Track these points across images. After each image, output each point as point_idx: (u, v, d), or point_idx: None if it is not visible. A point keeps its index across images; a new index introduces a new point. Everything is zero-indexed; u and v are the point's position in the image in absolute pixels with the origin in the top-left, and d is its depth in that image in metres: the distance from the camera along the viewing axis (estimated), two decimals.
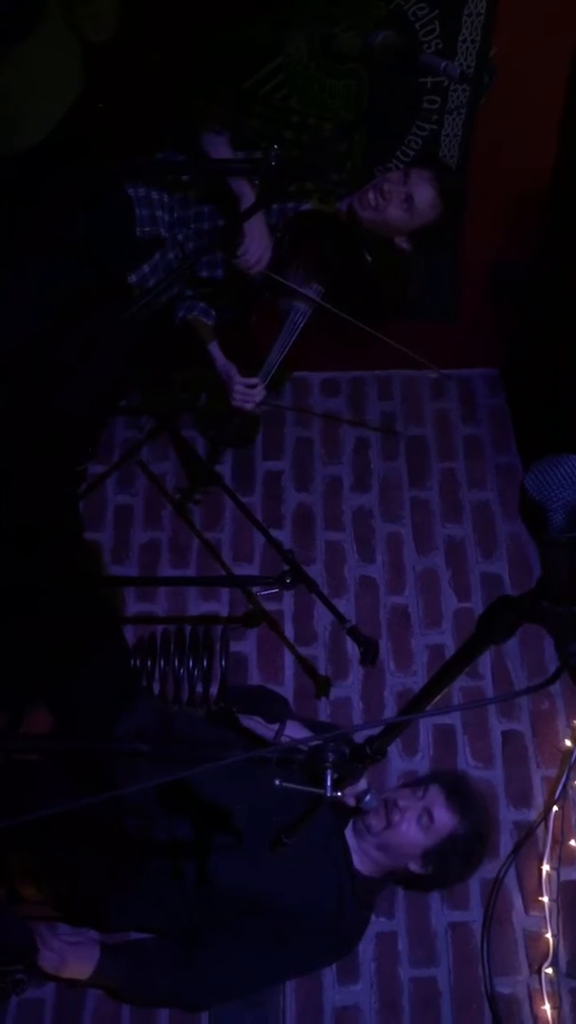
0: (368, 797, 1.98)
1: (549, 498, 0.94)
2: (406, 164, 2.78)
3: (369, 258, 2.55)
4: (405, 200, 2.42)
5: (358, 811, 2.30)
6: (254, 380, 2.66)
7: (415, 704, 1.35)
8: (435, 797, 2.29)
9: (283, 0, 2.56)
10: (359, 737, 1.48)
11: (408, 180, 2.43)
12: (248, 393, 2.66)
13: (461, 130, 2.78)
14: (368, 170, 2.87)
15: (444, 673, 1.27)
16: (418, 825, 2.25)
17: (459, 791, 2.31)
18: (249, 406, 2.68)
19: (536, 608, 1.06)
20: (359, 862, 2.34)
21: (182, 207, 2.47)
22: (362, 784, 2.22)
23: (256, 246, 2.45)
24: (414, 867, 2.30)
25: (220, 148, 2.42)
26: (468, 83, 2.64)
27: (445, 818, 2.26)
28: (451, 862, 2.30)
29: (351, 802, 2.18)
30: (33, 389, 2.41)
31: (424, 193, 2.42)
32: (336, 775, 1.46)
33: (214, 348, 2.67)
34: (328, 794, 1.44)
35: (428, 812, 2.26)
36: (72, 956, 2.21)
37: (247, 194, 2.40)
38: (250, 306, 2.71)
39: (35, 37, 2.22)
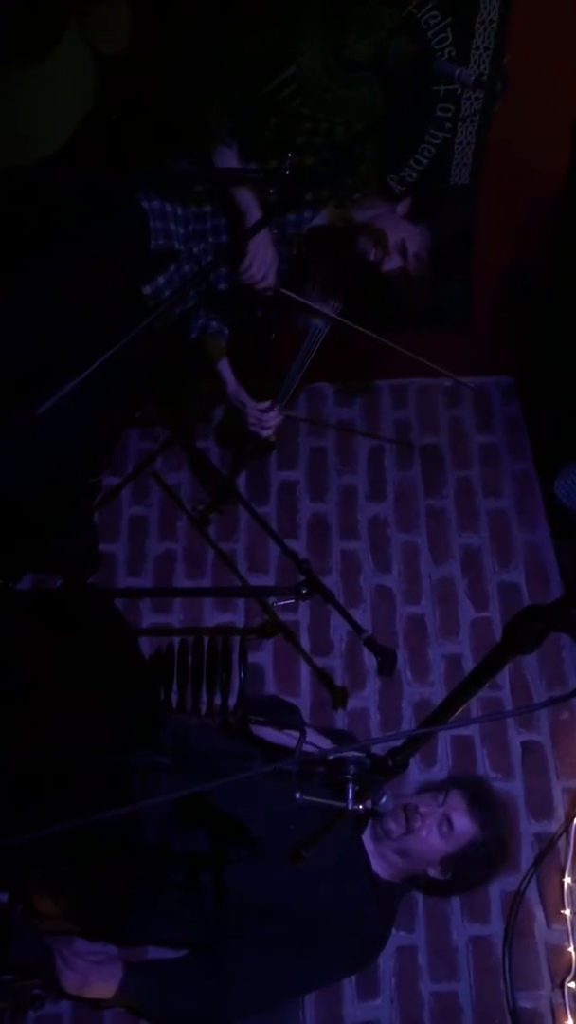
0: (384, 799, 1.96)
1: None
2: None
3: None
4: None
5: (375, 814, 2.28)
6: (266, 404, 2.66)
7: (437, 716, 1.33)
8: (456, 803, 2.28)
9: (294, 10, 2.55)
10: (380, 749, 1.46)
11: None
12: (262, 418, 2.66)
13: (475, 137, 2.77)
14: (381, 178, 2.86)
15: (468, 684, 1.25)
16: (439, 832, 2.24)
17: (480, 797, 2.30)
18: (266, 433, 2.69)
19: (564, 616, 1.05)
20: (378, 866, 2.32)
21: (197, 220, 2.47)
22: None
23: (260, 261, 2.44)
24: (433, 872, 2.29)
25: (229, 161, 2.42)
26: (482, 90, 2.63)
27: (466, 825, 2.25)
28: (471, 868, 2.29)
29: (368, 804, 2.16)
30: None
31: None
32: (357, 787, 1.45)
33: (224, 369, 2.67)
34: (350, 807, 1.42)
35: (448, 819, 2.25)
36: (95, 976, 2.19)
37: (252, 209, 2.39)
38: (270, 324, 2.71)
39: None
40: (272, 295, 2.53)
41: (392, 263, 2.48)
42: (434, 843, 2.24)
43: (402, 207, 2.53)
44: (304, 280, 2.55)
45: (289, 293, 2.50)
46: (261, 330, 2.74)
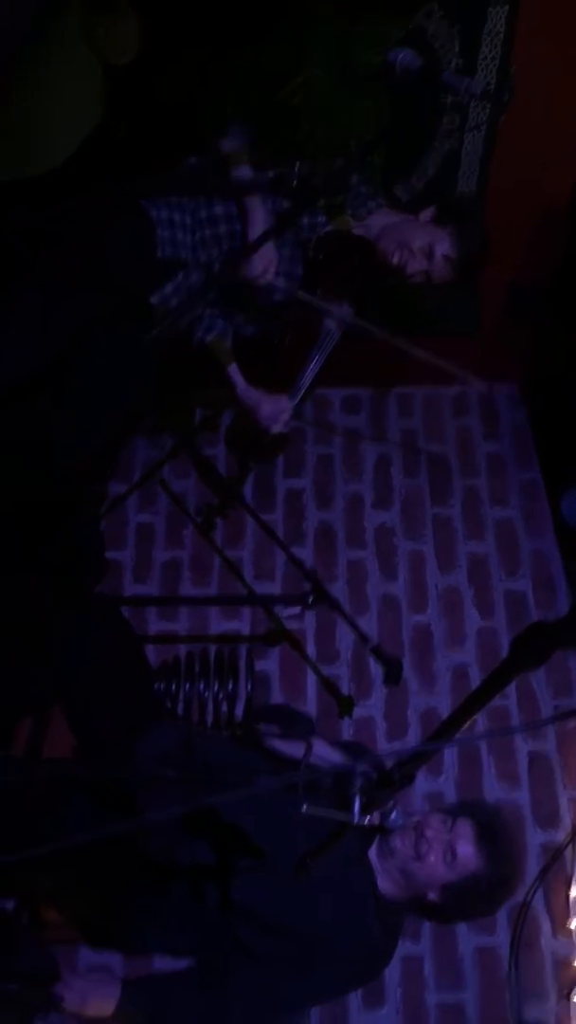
0: (394, 815, 1.94)
1: None
2: None
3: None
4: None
5: (383, 829, 2.26)
6: (280, 397, 2.66)
7: (444, 730, 1.33)
8: (464, 832, 2.23)
9: (302, 21, 2.56)
10: (386, 761, 1.46)
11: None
12: (276, 411, 2.66)
13: (481, 148, 2.78)
14: (387, 187, 2.87)
15: (474, 699, 1.25)
16: (443, 859, 2.21)
17: (489, 830, 2.24)
18: (279, 428, 2.69)
19: (569, 635, 1.04)
20: (383, 884, 2.30)
21: (206, 226, 2.47)
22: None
23: (261, 255, 2.44)
24: (433, 897, 2.26)
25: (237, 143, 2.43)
26: (488, 101, 2.63)
27: (470, 856, 2.20)
28: (469, 900, 2.25)
29: (376, 819, 2.15)
30: (52, 412, 2.42)
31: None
32: (364, 800, 1.44)
33: (234, 372, 2.67)
34: (355, 821, 1.42)
35: (452, 848, 2.21)
36: (94, 994, 2.18)
37: (256, 209, 2.40)
38: (285, 326, 2.71)
39: (57, 61, 2.24)
40: (286, 298, 2.54)
41: (416, 264, 2.48)
42: (438, 870, 2.22)
43: (426, 214, 2.53)
44: (317, 283, 2.56)
45: (304, 295, 2.50)
46: (277, 334, 2.74)
